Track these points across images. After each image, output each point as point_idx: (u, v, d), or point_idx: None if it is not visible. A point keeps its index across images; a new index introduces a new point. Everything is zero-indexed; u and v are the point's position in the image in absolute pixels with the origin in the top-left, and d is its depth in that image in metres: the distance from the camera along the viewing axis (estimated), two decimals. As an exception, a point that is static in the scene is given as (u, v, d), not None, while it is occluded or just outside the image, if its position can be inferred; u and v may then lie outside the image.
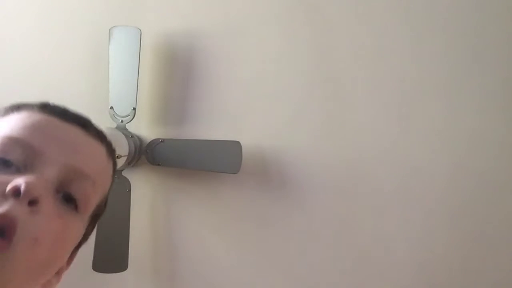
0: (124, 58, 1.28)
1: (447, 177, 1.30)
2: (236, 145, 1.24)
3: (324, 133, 1.33)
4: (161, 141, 1.31)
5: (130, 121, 1.29)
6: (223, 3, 1.37)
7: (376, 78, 1.31)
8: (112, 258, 1.31)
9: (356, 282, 1.35)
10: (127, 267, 1.31)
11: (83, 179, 0.42)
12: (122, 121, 1.29)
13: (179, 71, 1.39)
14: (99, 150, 0.46)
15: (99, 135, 0.47)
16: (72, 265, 0.47)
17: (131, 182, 1.31)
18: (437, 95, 1.30)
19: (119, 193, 1.30)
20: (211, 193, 1.38)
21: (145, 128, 1.39)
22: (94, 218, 0.47)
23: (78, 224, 0.43)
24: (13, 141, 0.39)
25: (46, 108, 0.44)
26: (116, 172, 1.40)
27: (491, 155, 1.28)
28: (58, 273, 0.46)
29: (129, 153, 1.23)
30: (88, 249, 1.30)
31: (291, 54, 1.34)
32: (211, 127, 1.37)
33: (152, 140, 1.31)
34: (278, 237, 1.37)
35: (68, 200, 0.41)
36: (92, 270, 1.29)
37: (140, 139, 1.36)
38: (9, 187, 0.35)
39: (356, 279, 1.35)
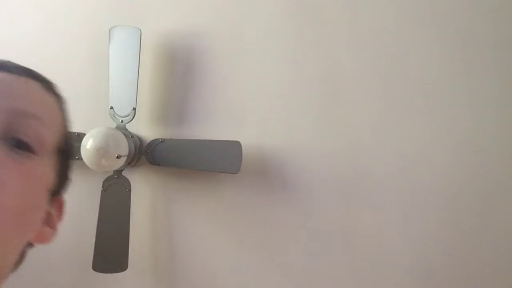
0: (124, 58, 1.28)
1: (448, 176, 1.30)
2: (236, 145, 1.24)
3: (324, 133, 1.33)
4: (161, 141, 1.31)
5: (130, 121, 1.29)
6: (223, 3, 1.37)
7: (376, 77, 1.32)
8: (112, 258, 1.31)
9: (356, 281, 1.35)
10: (127, 267, 1.31)
11: (27, 119, 0.39)
12: (122, 121, 1.29)
13: (179, 71, 1.39)
14: (32, 85, 0.43)
15: (26, 72, 0.44)
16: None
17: (131, 182, 1.31)
18: (438, 94, 1.30)
19: (119, 193, 1.30)
20: (211, 193, 1.38)
21: (145, 128, 1.39)
22: (63, 155, 0.45)
23: (41, 167, 0.41)
24: None
25: None
26: (116, 172, 1.40)
27: (493, 155, 1.28)
28: (50, 224, 0.44)
29: (129, 153, 1.23)
30: (88, 249, 1.30)
31: (291, 54, 1.34)
32: (211, 127, 1.37)
33: (152, 140, 1.32)
34: (278, 236, 1.37)
35: (20, 145, 0.38)
36: (92, 270, 1.29)
37: (140, 139, 1.36)
38: None
39: (356, 278, 1.35)
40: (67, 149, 0.46)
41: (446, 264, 1.30)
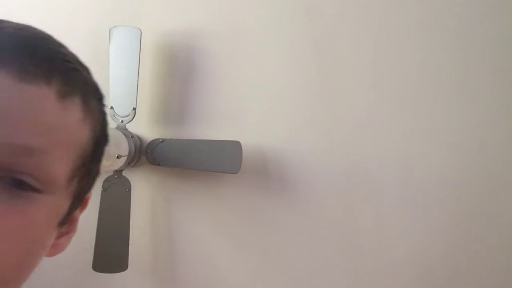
0: (124, 58, 1.28)
1: (448, 178, 1.30)
2: (236, 145, 1.24)
3: (325, 133, 1.33)
4: (161, 141, 1.31)
5: (130, 121, 1.29)
6: (223, 3, 1.37)
7: (376, 78, 1.32)
8: (112, 258, 1.31)
9: (356, 282, 1.35)
10: (127, 267, 1.31)
11: (27, 155, 0.30)
12: (122, 121, 1.29)
13: (179, 71, 1.39)
14: (39, 98, 0.31)
15: (43, 70, 0.32)
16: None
17: (131, 182, 1.31)
18: (439, 95, 1.30)
19: (119, 193, 1.30)
20: (211, 193, 1.38)
21: (145, 128, 1.39)
22: (87, 174, 0.37)
23: (50, 203, 0.33)
24: None
25: None
26: (116, 172, 1.40)
27: (493, 156, 1.28)
28: (68, 229, 0.41)
29: (129, 153, 1.23)
30: (88, 249, 1.30)
31: (291, 54, 1.34)
32: (211, 127, 1.37)
33: (152, 140, 1.32)
34: (278, 237, 1.37)
35: (22, 185, 0.30)
36: (92, 270, 1.29)
37: (140, 139, 1.36)
38: None
39: (357, 279, 1.35)
40: (92, 165, 0.38)
41: (447, 263, 1.30)
